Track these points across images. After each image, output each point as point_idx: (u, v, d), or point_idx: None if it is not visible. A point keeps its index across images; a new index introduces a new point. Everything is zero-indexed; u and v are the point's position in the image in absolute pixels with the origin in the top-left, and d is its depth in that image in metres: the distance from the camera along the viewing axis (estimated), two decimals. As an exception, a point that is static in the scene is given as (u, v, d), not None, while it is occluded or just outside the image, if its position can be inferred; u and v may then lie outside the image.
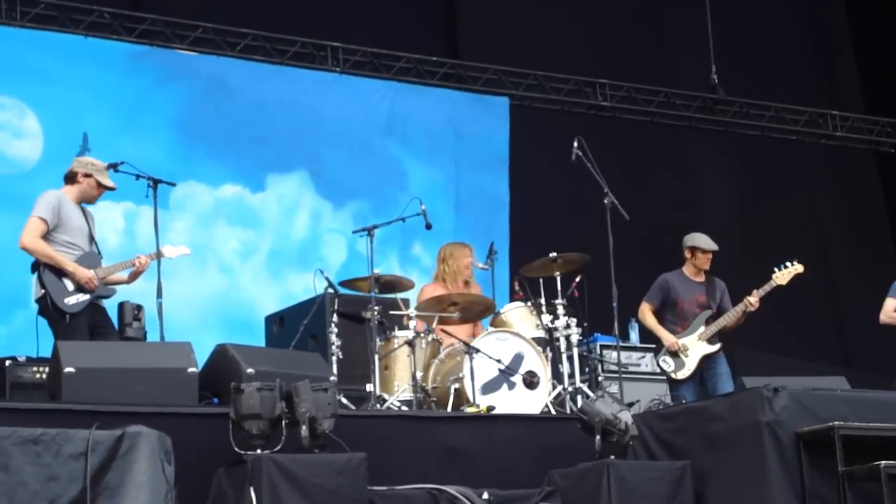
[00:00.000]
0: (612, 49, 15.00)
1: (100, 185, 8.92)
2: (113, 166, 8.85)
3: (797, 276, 10.30)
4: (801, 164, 16.01)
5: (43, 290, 8.60)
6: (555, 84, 14.51)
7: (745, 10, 15.79)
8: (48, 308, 8.60)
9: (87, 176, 8.89)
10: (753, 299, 10.10)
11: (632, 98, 14.84)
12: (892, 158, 16.15)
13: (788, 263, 10.28)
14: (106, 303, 8.97)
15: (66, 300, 8.58)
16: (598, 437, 7.93)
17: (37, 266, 8.68)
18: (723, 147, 15.64)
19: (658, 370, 10.39)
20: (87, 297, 8.63)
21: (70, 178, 8.93)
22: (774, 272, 10.23)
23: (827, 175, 16.28)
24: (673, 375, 10.11)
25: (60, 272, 8.61)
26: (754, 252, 14.18)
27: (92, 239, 8.90)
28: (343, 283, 10.01)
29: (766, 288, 10.18)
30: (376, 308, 9.50)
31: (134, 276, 8.97)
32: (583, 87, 14.63)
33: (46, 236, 8.68)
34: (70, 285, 8.61)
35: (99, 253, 8.92)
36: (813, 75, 16.31)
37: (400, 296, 10.09)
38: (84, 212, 8.95)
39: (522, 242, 13.11)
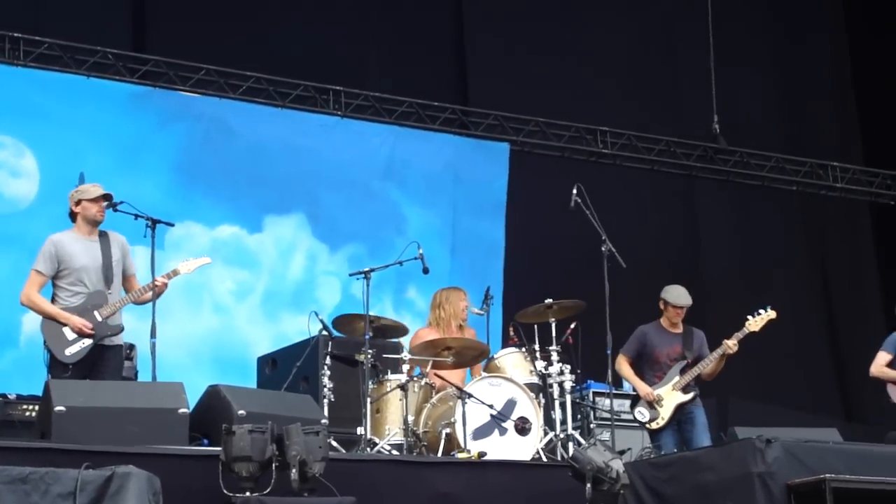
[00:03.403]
0: (613, 97, 15.04)
1: (92, 202, 8.85)
2: (112, 206, 8.82)
3: (771, 322, 10.36)
4: (801, 214, 16.04)
5: (45, 346, 8.59)
6: (556, 131, 14.54)
7: (748, 60, 15.84)
8: (51, 362, 8.57)
9: (78, 203, 8.89)
10: (732, 342, 10.17)
11: (632, 146, 14.85)
12: (887, 210, 16.14)
13: (762, 310, 10.37)
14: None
15: (66, 351, 8.56)
16: (588, 485, 7.88)
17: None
18: (724, 195, 15.65)
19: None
20: (88, 342, 8.61)
21: (71, 216, 8.93)
22: (748, 319, 10.33)
23: (826, 225, 16.29)
24: (648, 426, 10.20)
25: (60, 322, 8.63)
26: (753, 300, 14.16)
27: (108, 269, 8.78)
28: (337, 320, 9.98)
29: (740, 334, 10.23)
30: (370, 351, 9.49)
31: (157, 296, 8.82)
32: (584, 134, 14.65)
33: (55, 282, 8.71)
34: (70, 333, 8.59)
35: (109, 284, 8.76)
36: (814, 127, 16.33)
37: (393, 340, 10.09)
38: (103, 241, 8.86)
39: (517, 288, 13.12)
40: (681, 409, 10.16)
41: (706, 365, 10.20)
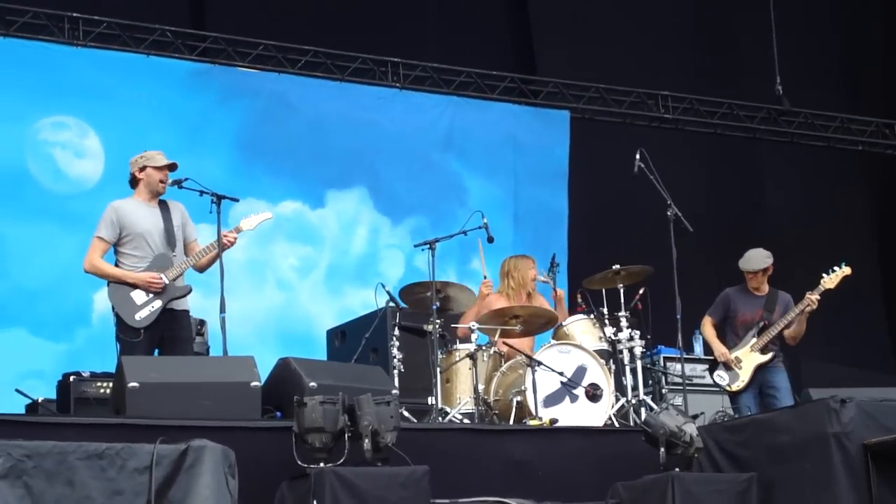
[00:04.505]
0: (674, 60, 14.92)
1: (157, 170, 8.75)
2: (177, 182, 8.74)
3: (846, 278, 10.21)
4: (868, 174, 15.86)
5: (114, 311, 8.53)
6: (616, 97, 14.43)
7: (810, 20, 15.65)
8: (121, 326, 8.49)
9: (143, 170, 8.77)
10: (814, 296, 10.01)
11: (695, 110, 14.73)
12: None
13: (836, 267, 10.22)
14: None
15: (136, 315, 8.47)
16: (662, 450, 7.87)
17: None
18: (790, 157, 15.50)
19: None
20: (158, 305, 8.54)
21: (132, 183, 8.84)
22: (823, 277, 10.18)
23: (891, 184, 16.10)
24: (728, 388, 10.11)
25: (128, 286, 8.53)
26: (822, 262, 14.05)
27: (170, 233, 8.68)
28: (404, 290, 9.98)
29: (817, 292, 10.10)
30: (438, 321, 9.47)
31: (222, 251, 8.67)
32: (645, 99, 14.54)
33: (117, 249, 8.65)
34: (139, 297, 8.51)
35: (172, 247, 8.65)
36: (875, 86, 16.13)
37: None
38: (163, 208, 8.78)
39: (582, 255, 13.07)
40: (761, 370, 10.03)
41: (783, 323, 10.05)
